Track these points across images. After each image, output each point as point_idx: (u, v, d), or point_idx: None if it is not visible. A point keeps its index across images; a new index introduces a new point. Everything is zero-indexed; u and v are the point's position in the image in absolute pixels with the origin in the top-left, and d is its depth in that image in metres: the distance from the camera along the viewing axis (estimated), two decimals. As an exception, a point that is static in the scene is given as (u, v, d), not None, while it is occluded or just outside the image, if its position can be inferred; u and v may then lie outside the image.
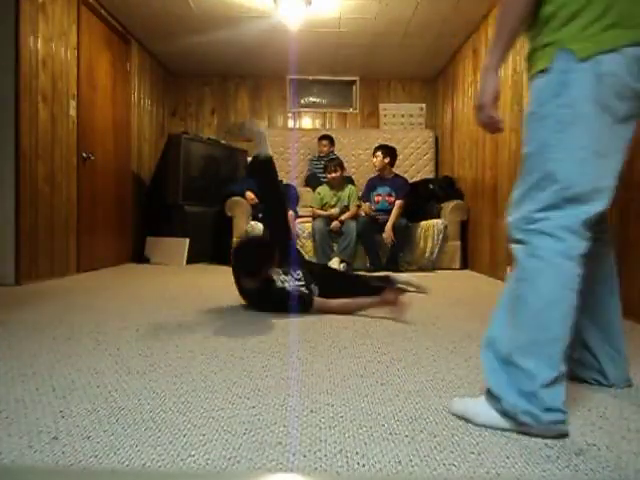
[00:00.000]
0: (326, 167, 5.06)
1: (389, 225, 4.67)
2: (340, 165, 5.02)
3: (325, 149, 5.70)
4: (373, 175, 5.08)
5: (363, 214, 4.83)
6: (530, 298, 1.12)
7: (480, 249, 4.67)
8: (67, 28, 3.88)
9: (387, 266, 4.67)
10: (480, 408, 1.16)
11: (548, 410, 1.06)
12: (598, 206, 1.12)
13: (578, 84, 1.10)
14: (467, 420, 1.16)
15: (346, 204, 4.98)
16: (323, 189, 5.07)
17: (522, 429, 1.09)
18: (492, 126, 1.26)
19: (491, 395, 1.14)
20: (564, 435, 1.08)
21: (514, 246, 1.19)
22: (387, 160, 4.87)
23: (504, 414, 1.11)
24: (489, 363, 1.16)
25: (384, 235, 4.66)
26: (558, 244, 1.10)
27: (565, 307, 1.10)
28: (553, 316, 1.10)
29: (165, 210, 5.23)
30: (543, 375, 1.07)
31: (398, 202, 4.78)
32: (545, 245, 1.11)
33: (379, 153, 4.89)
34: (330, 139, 5.76)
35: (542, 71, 1.16)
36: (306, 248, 4.87)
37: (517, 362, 1.10)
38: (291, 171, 5.99)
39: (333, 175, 4.94)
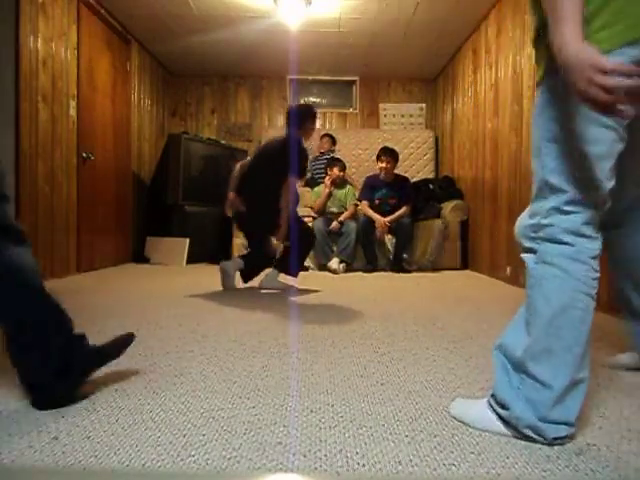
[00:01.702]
0: (329, 166, 5.07)
1: (388, 219, 4.70)
2: (343, 168, 5.05)
3: (326, 146, 5.70)
4: (371, 174, 5.07)
5: (362, 214, 4.84)
6: (540, 306, 1.08)
7: (480, 249, 4.67)
8: (67, 28, 3.88)
9: (392, 266, 4.68)
10: (481, 413, 1.15)
11: (554, 423, 1.04)
12: (598, 210, 1.08)
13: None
14: (466, 425, 1.15)
15: (342, 203, 5.01)
16: (321, 188, 5.08)
17: (523, 438, 1.08)
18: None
19: (496, 400, 1.12)
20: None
21: (524, 255, 1.17)
22: (393, 165, 4.88)
23: (506, 422, 1.09)
24: (500, 369, 1.14)
25: (377, 229, 4.68)
26: (566, 248, 1.07)
27: (578, 312, 1.05)
28: (565, 323, 1.05)
29: (165, 210, 5.23)
30: (557, 385, 1.04)
31: (405, 207, 4.79)
32: (553, 250, 1.08)
33: (390, 159, 4.82)
34: (332, 137, 5.77)
35: (548, 74, 1.10)
36: (306, 248, 4.87)
37: (531, 371, 1.07)
38: (291, 171, 5.99)
39: (337, 173, 4.95)
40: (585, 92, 0.89)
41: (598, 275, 1.07)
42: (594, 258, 1.07)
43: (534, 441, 1.06)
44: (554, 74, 1.04)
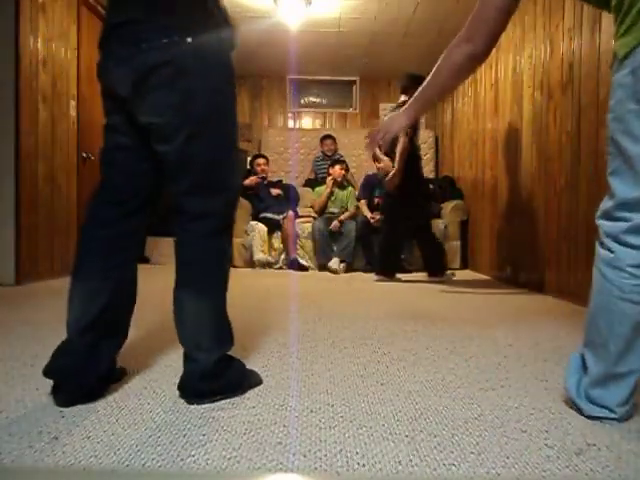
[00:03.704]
0: (332, 164, 5.08)
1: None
2: (347, 168, 5.07)
3: (332, 147, 5.70)
4: (370, 173, 5.08)
5: (361, 215, 4.83)
6: (590, 302, 1.19)
7: (480, 249, 4.67)
8: (67, 28, 3.88)
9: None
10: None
11: (592, 403, 1.16)
12: None
13: (619, 85, 1.04)
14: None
15: (343, 204, 5.01)
16: (322, 189, 5.08)
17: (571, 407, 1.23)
18: (368, 145, 1.55)
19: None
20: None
21: None
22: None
23: (565, 388, 1.25)
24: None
25: (372, 218, 4.68)
26: (607, 254, 1.12)
27: (613, 315, 1.10)
28: (601, 321, 1.14)
29: (165, 210, 5.22)
30: (594, 372, 1.15)
31: None
32: (600, 253, 1.15)
33: (387, 158, 4.84)
34: (333, 138, 5.78)
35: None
36: (306, 248, 4.88)
37: (583, 352, 1.20)
38: (291, 171, 6.00)
39: (341, 172, 4.96)
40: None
41: (636, 282, 1.07)
42: (634, 266, 1.07)
43: (579, 412, 1.19)
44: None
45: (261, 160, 5.32)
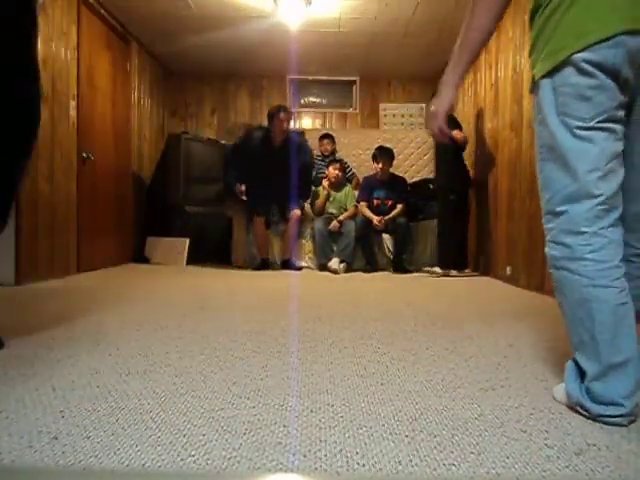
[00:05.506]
0: (328, 164, 5.08)
1: (385, 218, 4.71)
2: (342, 168, 5.06)
3: (329, 147, 5.67)
4: (369, 174, 5.09)
5: (361, 215, 4.83)
6: (564, 305, 1.22)
7: (480, 249, 4.66)
8: (67, 28, 3.88)
9: (395, 267, 4.67)
10: (560, 386, 1.30)
11: (599, 403, 1.14)
12: (588, 205, 1.15)
13: (544, 100, 1.20)
14: (553, 396, 1.32)
15: (342, 205, 5.01)
16: (320, 190, 5.09)
17: (578, 411, 1.20)
18: (439, 136, 1.40)
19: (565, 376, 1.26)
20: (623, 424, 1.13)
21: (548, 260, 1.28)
22: (388, 165, 4.90)
23: (567, 395, 1.23)
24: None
25: (375, 221, 4.67)
26: (565, 250, 1.18)
27: (591, 304, 1.14)
28: (583, 315, 1.16)
29: (165, 210, 5.23)
30: (591, 370, 1.15)
31: (400, 206, 4.81)
32: (556, 254, 1.20)
33: (384, 160, 4.85)
34: (331, 137, 5.75)
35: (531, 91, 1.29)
36: (306, 249, 4.88)
37: (577, 359, 1.21)
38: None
39: (335, 173, 4.96)
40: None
41: (606, 265, 1.13)
42: (593, 252, 1.14)
43: (586, 415, 1.17)
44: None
45: None
